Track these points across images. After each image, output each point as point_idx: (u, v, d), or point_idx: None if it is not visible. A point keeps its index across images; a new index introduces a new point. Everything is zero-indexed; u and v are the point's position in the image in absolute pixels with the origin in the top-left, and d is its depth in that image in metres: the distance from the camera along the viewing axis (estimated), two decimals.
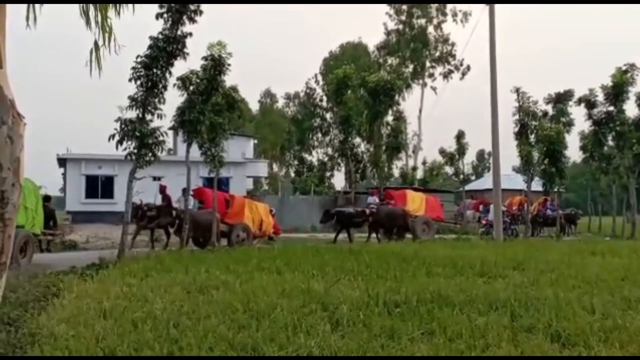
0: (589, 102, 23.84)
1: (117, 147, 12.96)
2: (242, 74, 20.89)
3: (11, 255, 3.26)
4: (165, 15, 13.27)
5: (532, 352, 4.77)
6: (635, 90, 23.07)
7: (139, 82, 13.04)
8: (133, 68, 13.03)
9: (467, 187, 40.25)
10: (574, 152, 29.82)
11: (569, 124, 25.39)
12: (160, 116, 13.33)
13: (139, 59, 13.02)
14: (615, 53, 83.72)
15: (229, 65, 15.27)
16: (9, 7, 3.18)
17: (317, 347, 4.80)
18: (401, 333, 5.24)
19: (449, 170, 41.58)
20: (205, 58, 15.18)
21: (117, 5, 3.77)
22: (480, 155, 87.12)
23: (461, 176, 34.43)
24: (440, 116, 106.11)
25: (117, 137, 12.86)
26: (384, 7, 49.13)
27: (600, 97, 23.49)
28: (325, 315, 5.95)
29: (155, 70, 13.09)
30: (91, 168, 31.43)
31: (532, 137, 24.44)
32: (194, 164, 19.68)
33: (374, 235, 20.08)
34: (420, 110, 47.62)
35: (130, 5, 3.85)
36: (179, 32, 13.32)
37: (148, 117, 13.10)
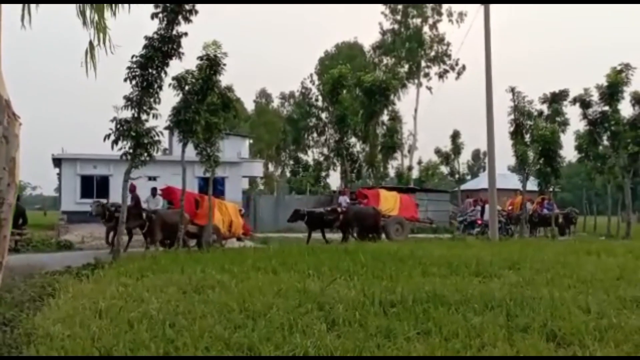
0: (584, 102, 23.90)
1: (112, 147, 12.96)
2: (237, 73, 20.88)
3: None
4: (160, 15, 13.26)
5: (527, 351, 4.79)
6: (630, 90, 23.19)
7: (134, 82, 13.02)
8: (128, 68, 13.01)
9: (463, 187, 40.32)
10: (569, 152, 30.05)
11: (564, 123, 25.54)
12: (155, 116, 13.33)
13: (134, 59, 13.00)
14: (610, 53, 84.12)
15: (224, 65, 15.27)
16: (5, 7, 3.17)
17: (313, 346, 4.80)
18: (397, 333, 5.24)
19: (444, 169, 41.77)
20: (200, 58, 15.15)
21: (113, 5, 3.77)
22: (476, 154, 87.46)
23: (457, 176, 34.52)
24: (435, 116, 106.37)
25: (112, 137, 12.85)
26: (380, 7, 49.26)
27: (595, 96, 23.57)
28: (321, 315, 5.95)
29: (150, 70, 13.08)
30: (86, 168, 31.29)
31: (527, 137, 24.58)
32: (190, 164, 19.68)
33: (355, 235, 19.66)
34: (415, 110, 47.61)
35: (126, 5, 3.86)
36: (174, 32, 13.31)
37: (143, 116, 13.08)
